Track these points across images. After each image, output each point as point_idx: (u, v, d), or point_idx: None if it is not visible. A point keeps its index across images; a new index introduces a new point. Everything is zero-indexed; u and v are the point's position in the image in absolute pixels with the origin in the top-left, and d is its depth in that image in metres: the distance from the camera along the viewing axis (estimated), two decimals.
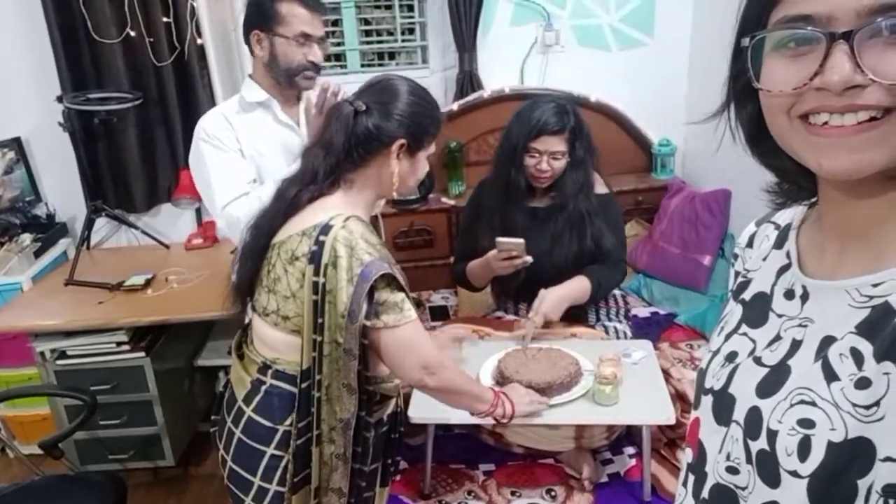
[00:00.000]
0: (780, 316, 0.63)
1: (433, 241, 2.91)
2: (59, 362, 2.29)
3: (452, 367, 1.45)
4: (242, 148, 1.81)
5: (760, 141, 0.60)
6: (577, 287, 2.05)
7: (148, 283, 2.44)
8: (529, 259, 1.99)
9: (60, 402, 2.32)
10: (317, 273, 1.23)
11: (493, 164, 2.18)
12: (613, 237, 2.12)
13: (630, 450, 1.98)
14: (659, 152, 3.05)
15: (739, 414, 0.61)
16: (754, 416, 0.59)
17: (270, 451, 1.30)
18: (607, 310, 2.29)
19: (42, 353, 2.29)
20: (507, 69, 2.99)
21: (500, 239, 1.99)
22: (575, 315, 2.13)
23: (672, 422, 1.71)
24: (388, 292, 1.26)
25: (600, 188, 2.15)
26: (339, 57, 3.07)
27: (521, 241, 1.96)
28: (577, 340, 2.05)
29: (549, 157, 2.01)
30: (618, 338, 2.19)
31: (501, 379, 1.79)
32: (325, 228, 1.24)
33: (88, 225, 2.66)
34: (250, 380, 1.34)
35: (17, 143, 2.72)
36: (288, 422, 1.30)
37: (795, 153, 0.55)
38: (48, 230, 2.73)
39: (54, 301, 2.37)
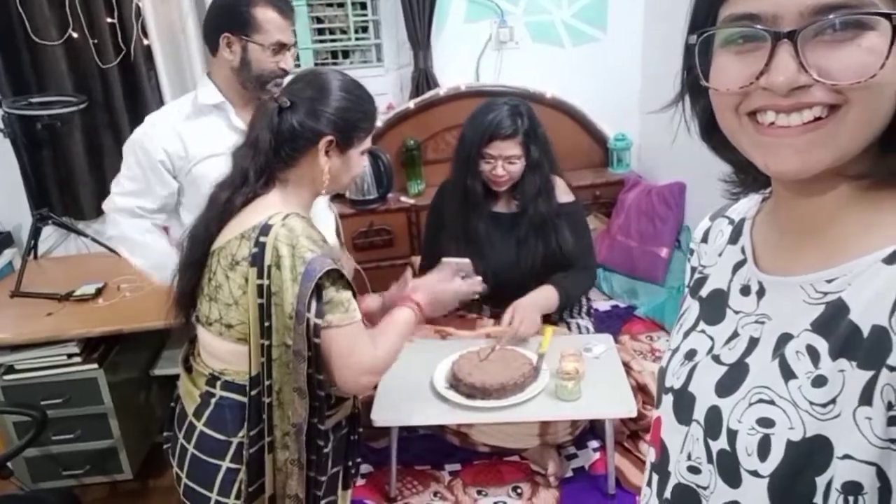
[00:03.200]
0: (736, 312, 0.63)
1: (393, 241, 2.88)
2: (7, 377, 2.20)
3: (384, 348, 1.31)
4: (186, 151, 1.77)
5: (714, 134, 0.60)
6: (544, 296, 2.04)
7: (99, 293, 2.36)
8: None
9: (9, 419, 2.23)
10: (260, 275, 1.19)
11: (451, 169, 2.16)
12: (580, 244, 2.11)
13: (594, 443, 2.00)
14: (615, 146, 3.09)
15: (699, 413, 0.61)
16: (714, 415, 0.59)
17: (226, 464, 1.27)
18: (570, 309, 2.30)
19: None
20: (462, 66, 2.98)
21: (445, 259, 1.74)
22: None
23: (634, 414, 1.73)
24: (334, 290, 1.23)
25: (565, 196, 2.13)
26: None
27: (466, 260, 1.72)
28: (540, 337, 2.06)
29: (503, 161, 1.99)
30: (580, 333, 2.21)
31: (455, 381, 1.78)
32: (265, 229, 1.20)
33: (34, 234, 2.57)
34: (199, 393, 1.30)
35: None
36: (241, 433, 1.26)
37: (744, 151, 0.56)
38: None
39: (0, 314, 2.28)
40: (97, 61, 2.53)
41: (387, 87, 3.01)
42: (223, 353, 1.29)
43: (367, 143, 1.35)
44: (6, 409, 2.16)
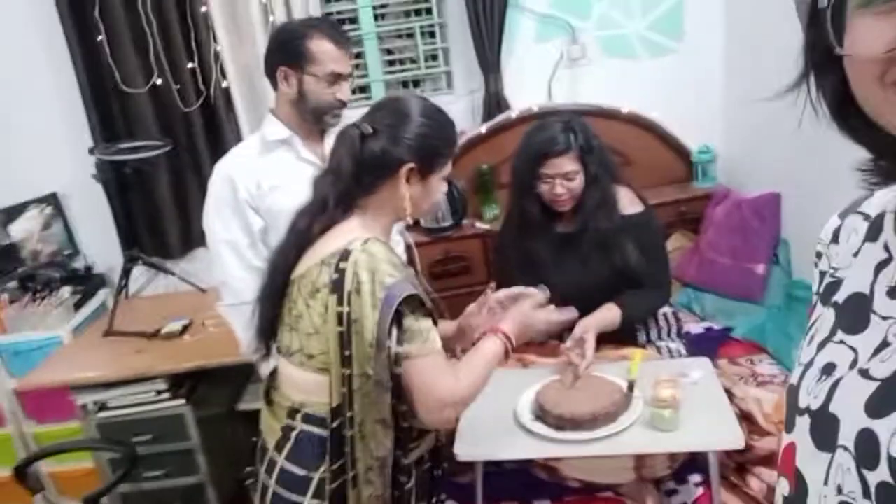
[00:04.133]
0: (884, 318, 0.53)
1: (469, 268, 2.83)
2: (101, 415, 2.27)
3: (468, 381, 1.24)
4: (260, 187, 1.77)
5: (849, 114, 0.51)
6: (604, 316, 1.93)
7: (185, 329, 2.41)
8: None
9: (104, 455, 2.29)
10: (340, 302, 1.16)
11: (508, 197, 2.10)
12: (647, 258, 1.98)
13: (696, 478, 1.84)
14: (699, 160, 2.93)
15: (847, 437, 0.51)
16: (868, 440, 0.49)
17: (307, 500, 1.23)
18: (658, 329, 2.16)
19: (84, 406, 2.27)
20: (534, 87, 2.92)
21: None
22: (624, 335, 2.02)
23: (741, 445, 1.58)
24: (413, 319, 1.18)
25: (631, 207, 2.01)
26: (363, 89, 3.06)
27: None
28: (629, 363, 1.93)
29: (561, 179, 1.91)
30: (672, 357, 2.07)
31: (541, 412, 1.68)
32: (345, 254, 1.17)
33: (125, 274, 2.67)
34: (280, 426, 1.27)
35: (53, 199, 2.75)
36: (322, 468, 1.22)
37: (893, 126, 0.46)
38: (87, 282, 2.75)
39: (94, 353, 2.36)
40: (180, 105, 2.63)
41: (458, 113, 2.98)
42: (304, 384, 1.26)
43: (448, 168, 1.32)
44: (99, 445, 2.22)
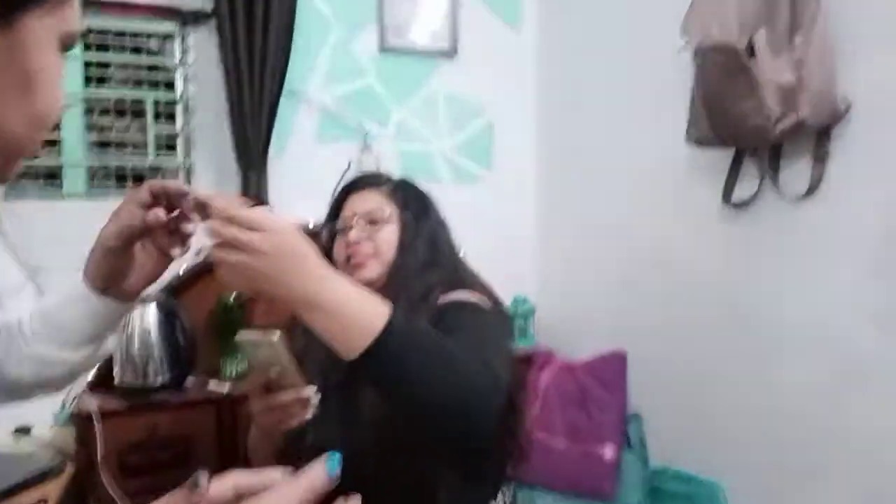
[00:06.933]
0: None
1: (190, 456, 1.75)
2: None
3: None
4: None
5: None
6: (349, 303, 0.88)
7: None
8: (308, 396, 0.96)
9: None
10: None
11: None
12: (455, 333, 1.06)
13: None
14: (514, 313, 2.33)
15: None
16: None
17: None
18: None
19: None
20: (312, 197, 2.15)
21: (239, 336, 0.94)
22: None
23: None
24: None
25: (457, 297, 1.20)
26: (53, 174, 2.02)
27: (272, 339, 0.89)
28: None
29: (361, 219, 1.20)
30: None
31: None
32: None
33: None
34: None
35: None
36: None
37: None
38: None
39: None
40: None
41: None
42: None
43: (70, 9, 0.41)
44: None
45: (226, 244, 0.77)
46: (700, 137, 1.71)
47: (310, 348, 1.07)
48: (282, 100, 2.09)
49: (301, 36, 2.10)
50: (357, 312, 0.82)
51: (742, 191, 1.74)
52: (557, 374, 2.09)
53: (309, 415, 0.99)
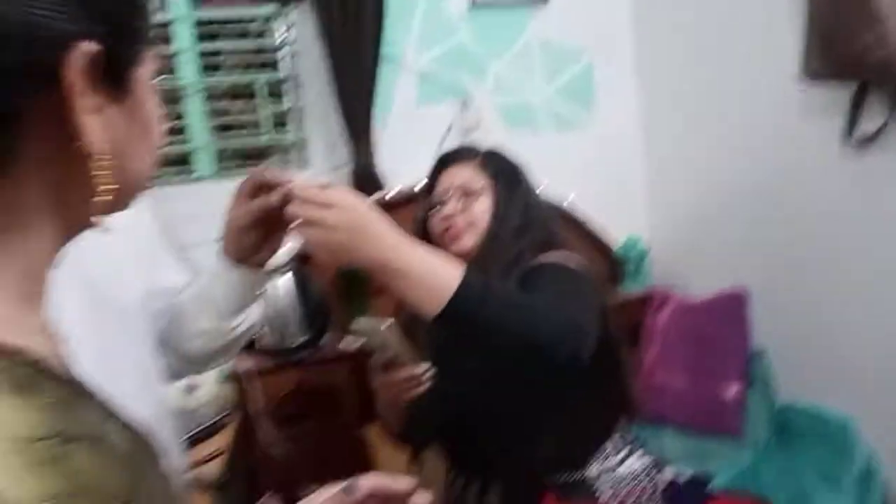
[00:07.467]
0: None
1: (334, 406, 1.92)
2: None
3: None
4: None
5: None
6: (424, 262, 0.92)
7: None
8: (421, 372, 1.07)
9: None
10: None
11: None
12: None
13: None
14: (627, 255, 2.33)
15: None
16: None
17: None
18: (638, 495, 1.35)
19: None
20: (416, 161, 2.22)
21: (355, 325, 1.10)
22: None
23: None
24: None
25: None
26: (183, 160, 2.21)
27: (382, 326, 1.05)
28: None
29: (456, 192, 1.24)
30: None
31: None
32: None
33: None
34: None
35: None
36: None
37: None
38: None
39: None
40: None
41: None
42: None
43: (155, 59, 0.46)
44: None
45: (306, 223, 0.85)
46: (816, 71, 1.61)
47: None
48: (380, 68, 2.15)
49: (392, 2, 2.15)
50: (431, 275, 0.88)
51: (865, 125, 1.64)
52: (676, 313, 2.09)
53: (422, 388, 1.09)
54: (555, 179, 2.22)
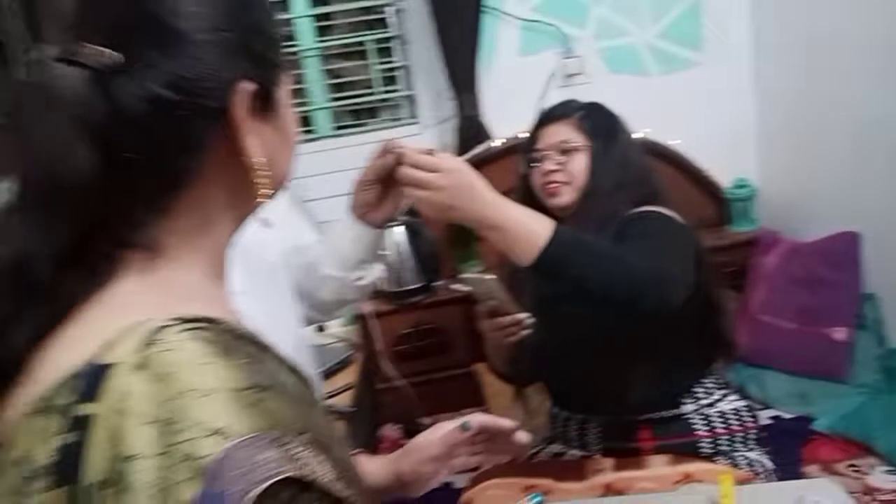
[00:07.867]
0: None
1: (447, 345, 2.10)
2: None
3: None
4: None
5: None
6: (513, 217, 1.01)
7: None
8: (523, 318, 1.18)
9: None
10: None
11: None
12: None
13: None
14: (735, 198, 2.30)
15: None
16: None
17: None
18: (731, 435, 1.43)
19: None
20: (521, 110, 2.29)
21: (462, 276, 1.21)
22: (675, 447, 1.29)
23: None
24: None
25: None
26: (305, 120, 2.40)
27: (487, 278, 1.15)
28: (703, 487, 1.21)
29: (554, 152, 1.30)
30: (758, 475, 1.34)
31: None
32: (93, 380, 0.40)
33: None
34: None
35: None
36: None
37: None
38: None
39: None
40: None
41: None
42: None
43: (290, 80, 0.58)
44: None
45: (413, 184, 0.96)
46: None
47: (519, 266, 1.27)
48: (482, 20, 2.21)
49: None
50: (524, 227, 0.99)
51: None
52: (784, 256, 2.07)
53: (524, 333, 1.21)
54: (662, 122, 2.24)
